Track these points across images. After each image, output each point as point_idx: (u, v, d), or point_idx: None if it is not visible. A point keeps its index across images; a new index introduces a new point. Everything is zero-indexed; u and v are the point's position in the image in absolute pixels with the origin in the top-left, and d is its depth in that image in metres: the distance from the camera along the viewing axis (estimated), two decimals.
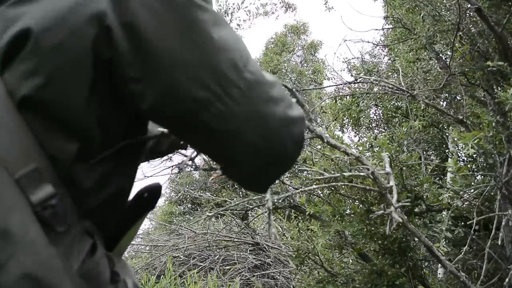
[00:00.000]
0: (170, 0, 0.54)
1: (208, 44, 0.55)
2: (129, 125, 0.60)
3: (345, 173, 2.23)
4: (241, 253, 5.58)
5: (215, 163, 0.73)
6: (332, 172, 2.51)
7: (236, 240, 5.78)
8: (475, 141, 2.13)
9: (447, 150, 5.26)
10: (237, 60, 0.56)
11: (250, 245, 5.73)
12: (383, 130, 6.47)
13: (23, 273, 0.47)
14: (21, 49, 0.51)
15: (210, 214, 5.00)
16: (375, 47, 6.53)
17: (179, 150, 1.00)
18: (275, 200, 3.19)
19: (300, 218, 5.20)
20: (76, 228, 0.53)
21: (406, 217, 2.30)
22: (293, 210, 4.07)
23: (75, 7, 0.52)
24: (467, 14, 3.17)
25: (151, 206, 0.68)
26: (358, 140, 6.57)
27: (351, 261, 3.45)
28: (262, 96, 0.58)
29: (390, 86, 3.35)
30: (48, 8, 0.52)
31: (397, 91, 3.35)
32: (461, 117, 3.13)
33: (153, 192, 0.68)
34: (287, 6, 10.98)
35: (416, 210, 2.81)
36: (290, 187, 3.31)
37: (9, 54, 0.52)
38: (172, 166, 3.74)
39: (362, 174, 2.13)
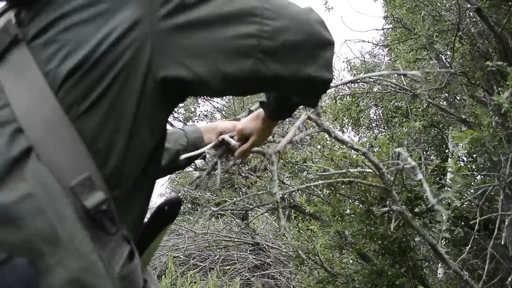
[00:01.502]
0: None
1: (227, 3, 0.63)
2: (162, 135, 0.69)
3: (351, 170, 2.24)
4: (241, 253, 5.58)
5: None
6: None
7: (236, 240, 5.78)
8: (469, 141, 2.13)
9: (447, 150, 5.26)
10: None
11: (250, 245, 5.73)
12: (383, 130, 6.47)
13: (70, 277, 0.52)
14: (82, 67, 0.58)
15: (208, 214, 5.01)
16: (375, 47, 6.53)
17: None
18: (281, 194, 3.20)
19: (300, 218, 5.20)
20: (118, 233, 0.59)
21: (410, 215, 2.30)
22: (293, 210, 4.07)
23: (126, 30, 0.60)
24: (467, 14, 3.17)
25: (172, 219, 0.76)
26: (358, 140, 6.58)
27: (351, 261, 3.45)
28: (288, 8, 0.66)
29: (393, 85, 3.34)
30: (105, 31, 0.59)
31: (399, 90, 3.35)
32: (463, 116, 3.13)
33: (173, 205, 0.75)
34: None
35: (416, 210, 2.81)
36: (290, 187, 3.31)
37: (70, 74, 0.58)
38: None
39: (369, 170, 2.13)
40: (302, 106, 0.90)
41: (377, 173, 2.07)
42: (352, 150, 2.85)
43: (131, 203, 0.65)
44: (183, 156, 0.97)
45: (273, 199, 3.18)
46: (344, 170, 2.12)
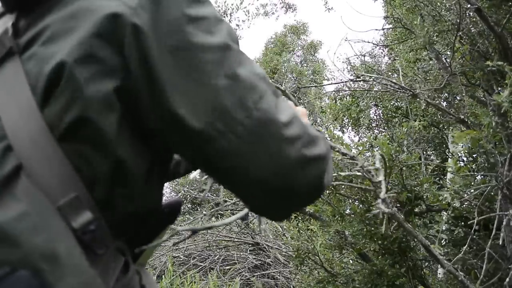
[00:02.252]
0: (183, 38, 0.58)
1: (211, 84, 0.57)
2: (158, 149, 0.64)
3: (341, 173, 2.24)
4: (241, 253, 5.58)
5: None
6: (332, 172, 2.51)
7: (236, 240, 5.78)
8: (469, 141, 2.13)
9: (447, 150, 5.27)
10: (246, 98, 0.58)
11: (250, 245, 5.73)
12: (383, 130, 6.48)
13: None
14: (58, 84, 0.56)
15: (206, 213, 5.01)
16: (375, 47, 6.53)
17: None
18: None
19: (300, 218, 5.20)
20: (111, 248, 0.58)
21: (402, 217, 2.30)
22: None
23: (100, 40, 0.56)
24: (467, 14, 3.17)
25: (172, 220, 0.73)
26: (358, 140, 6.58)
27: (351, 261, 3.45)
28: (274, 135, 0.58)
29: (392, 84, 3.34)
30: (75, 41, 0.56)
31: (398, 90, 3.35)
32: (462, 116, 3.13)
33: (173, 207, 0.72)
34: (287, 6, 10.99)
35: (416, 210, 2.81)
36: None
37: (48, 91, 0.56)
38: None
39: (359, 174, 2.13)
40: None
41: (366, 176, 2.07)
42: (354, 150, 2.86)
43: (137, 213, 0.63)
44: (192, 176, 0.98)
45: None
46: (335, 174, 2.12)
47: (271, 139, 0.58)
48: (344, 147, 2.93)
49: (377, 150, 2.63)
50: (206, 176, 1.05)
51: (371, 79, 3.98)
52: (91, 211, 0.55)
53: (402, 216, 2.27)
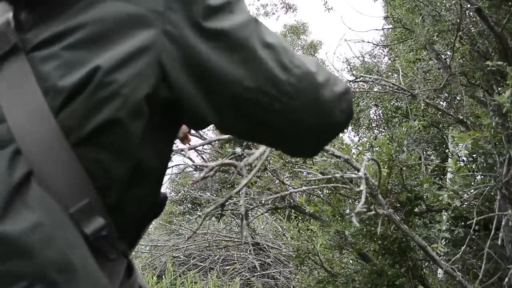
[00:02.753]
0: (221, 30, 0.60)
1: (256, 56, 0.61)
2: (169, 148, 0.67)
3: (336, 175, 2.24)
4: (241, 253, 5.58)
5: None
6: (332, 173, 2.51)
7: (236, 240, 5.78)
8: (471, 141, 2.13)
9: (447, 150, 5.27)
10: (284, 60, 0.62)
11: (250, 245, 5.73)
12: (383, 130, 6.48)
13: None
14: (84, 89, 0.54)
15: (200, 214, 5.01)
16: (375, 47, 6.54)
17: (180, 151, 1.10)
18: (263, 201, 3.20)
19: (300, 218, 5.20)
20: (120, 252, 0.58)
21: (398, 218, 2.31)
22: (293, 210, 4.07)
23: (137, 53, 0.56)
24: (467, 14, 3.17)
25: (157, 214, 0.73)
26: (358, 140, 6.58)
27: (351, 261, 3.45)
28: (312, 85, 0.64)
29: (391, 85, 3.35)
30: (114, 51, 0.55)
31: (397, 91, 3.35)
32: (461, 117, 3.14)
33: (162, 201, 0.73)
34: (287, 7, 10.99)
35: (416, 210, 2.81)
36: (290, 187, 3.31)
37: (70, 95, 0.54)
38: (171, 166, 3.75)
39: (354, 175, 2.13)
40: None
41: (349, 185, 2.08)
42: (354, 150, 2.86)
43: (139, 213, 0.64)
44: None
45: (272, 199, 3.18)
46: (329, 176, 2.12)
47: (313, 89, 0.64)
48: (344, 147, 2.93)
49: (379, 152, 2.63)
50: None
51: (371, 80, 3.98)
52: (102, 216, 0.55)
53: (398, 218, 2.27)
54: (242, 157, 1.33)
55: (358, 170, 1.98)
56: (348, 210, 3.02)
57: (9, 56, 0.56)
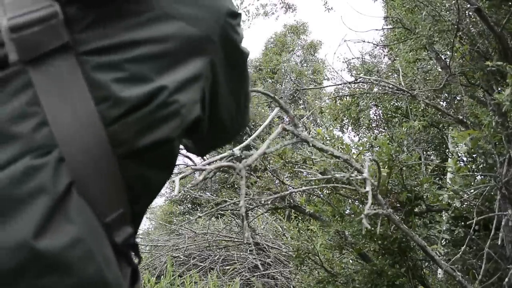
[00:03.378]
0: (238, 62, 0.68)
1: (247, 97, 0.76)
2: None
3: (325, 176, 2.24)
4: (241, 253, 5.58)
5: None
6: (333, 173, 2.51)
7: (236, 240, 5.78)
8: (471, 141, 2.13)
9: (447, 150, 5.27)
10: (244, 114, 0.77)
11: (250, 245, 5.73)
12: (383, 130, 6.48)
13: None
14: (146, 106, 0.54)
15: (201, 215, 5.02)
16: (375, 47, 6.53)
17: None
18: (263, 201, 3.20)
19: (300, 218, 5.20)
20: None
21: (398, 218, 2.31)
22: (293, 210, 4.07)
23: (196, 78, 0.58)
24: (467, 14, 3.17)
25: None
26: (358, 140, 6.58)
27: (351, 261, 3.45)
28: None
29: (390, 86, 3.35)
30: (178, 73, 0.57)
31: (397, 91, 3.36)
32: (461, 117, 3.14)
33: None
34: (287, 6, 10.98)
35: (416, 210, 2.81)
36: (290, 187, 3.32)
37: (129, 110, 0.53)
38: None
39: (358, 177, 2.13)
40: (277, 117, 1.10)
41: (354, 186, 2.08)
42: (354, 150, 2.86)
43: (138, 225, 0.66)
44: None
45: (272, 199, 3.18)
46: (329, 176, 2.12)
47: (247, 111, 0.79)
48: (344, 147, 2.93)
49: (379, 152, 2.63)
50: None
51: (370, 82, 3.98)
52: (130, 225, 0.56)
53: (398, 218, 2.28)
54: (241, 157, 1.34)
55: (358, 170, 1.99)
56: (348, 210, 3.02)
57: (57, 54, 0.52)
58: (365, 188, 2.00)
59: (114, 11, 0.55)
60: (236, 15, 0.64)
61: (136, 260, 0.58)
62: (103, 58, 0.53)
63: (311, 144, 1.67)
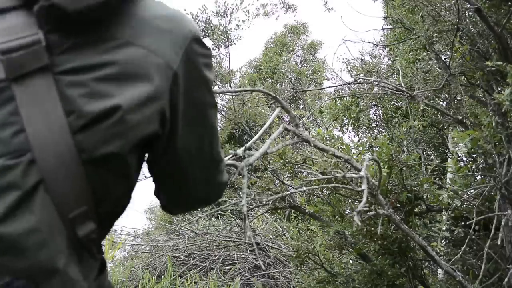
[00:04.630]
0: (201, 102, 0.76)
1: (213, 132, 0.81)
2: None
3: (326, 176, 2.24)
4: (241, 253, 5.58)
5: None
6: (332, 173, 2.51)
7: (236, 240, 5.78)
8: (471, 141, 2.13)
9: (447, 150, 5.27)
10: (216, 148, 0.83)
11: (250, 245, 5.73)
12: (383, 130, 6.47)
13: None
14: (104, 121, 0.62)
15: (202, 216, 5.01)
16: (375, 48, 6.53)
17: None
18: (265, 201, 3.19)
19: (300, 218, 5.20)
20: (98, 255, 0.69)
21: (399, 218, 2.30)
22: (293, 210, 4.07)
23: (151, 99, 0.66)
24: (467, 14, 3.17)
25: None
26: (358, 140, 6.57)
27: (351, 261, 3.45)
28: (217, 169, 0.86)
29: (390, 86, 3.35)
30: (134, 93, 0.65)
31: (396, 92, 3.36)
32: (460, 117, 3.14)
33: None
34: (287, 6, 10.98)
35: (416, 210, 2.81)
36: (290, 187, 3.31)
37: (89, 122, 0.62)
38: None
39: (354, 175, 2.13)
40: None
41: (350, 186, 2.08)
42: (354, 151, 2.86)
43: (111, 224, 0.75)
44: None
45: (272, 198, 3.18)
46: (330, 176, 2.12)
47: (216, 171, 0.85)
48: (344, 147, 2.93)
49: (379, 152, 2.63)
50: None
51: (369, 82, 3.98)
52: (94, 222, 0.64)
53: (399, 218, 2.27)
54: (243, 157, 1.34)
55: (359, 170, 1.99)
56: (348, 210, 3.02)
57: (37, 73, 0.62)
58: (361, 186, 2.00)
59: (88, 38, 0.65)
60: (200, 41, 0.73)
61: (99, 256, 0.67)
62: (75, 77, 0.62)
63: (312, 144, 1.67)
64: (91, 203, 0.63)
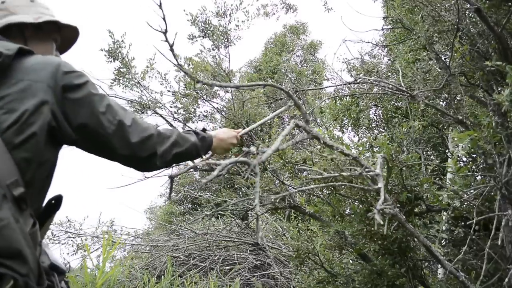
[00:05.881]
0: (84, 88, 1.24)
1: (96, 111, 1.24)
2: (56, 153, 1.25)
3: (343, 173, 2.23)
4: (241, 253, 5.58)
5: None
6: (332, 172, 2.51)
7: (236, 240, 5.79)
8: (470, 141, 2.13)
9: (447, 150, 5.27)
10: (108, 117, 1.26)
11: (250, 245, 5.73)
12: (383, 130, 6.47)
13: (5, 239, 1.00)
14: (16, 124, 1.12)
15: (208, 213, 5.01)
16: (375, 48, 6.53)
17: None
18: (273, 200, 3.19)
19: (300, 218, 5.20)
20: (28, 211, 1.08)
21: (404, 217, 2.30)
22: (293, 210, 4.07)
23: (39, 105, 1.15)
24: (467, 15, 3.17)
25: (57, 209, 1.24)
26: (358, 140, 6.57)
27: (351, 261, 3.45)
28: (124, 132, 1.29)
29: (390, 86, 3.35)
30: (29, 105, 1.15)
31: (396, 92, 3.36)
32: (460, 117, 3.13)
33: (57, 200, 1.24)
34: (287, 7, 10.97)
35: (416, 210, 2.81)
36: (290, 187, 3.32)
37: (8, 127, 1.11)
38: (171, 167, 3.74)
39: (371, 173, 2.12)
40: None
41: (365, 185, 2.07)
42: (354, 151, 2.85)
43: (38, 195, 1.18)
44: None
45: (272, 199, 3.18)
46: (337, 174, 2.11)
47: (124, 134, 1.27)
48: (345, 147, 2.93)
49: (379, 152, 2.63)
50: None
51: (369, 82, 3.98)
52: (22, 187, 1.07)
53: (403, 217, 2.27)
54: (252, 155, 1.34)
55: (367, 168, 1.99)
56: (348, 210, 3.02)
57: None
58: (376, 184, 2.00)
59: (1, 80, 1.16)
60: (66, 64, 1.23)
61: (24, 207, 1.06)
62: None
63: (322, 141, 1.67)
64: (18, 175, 1.07)
